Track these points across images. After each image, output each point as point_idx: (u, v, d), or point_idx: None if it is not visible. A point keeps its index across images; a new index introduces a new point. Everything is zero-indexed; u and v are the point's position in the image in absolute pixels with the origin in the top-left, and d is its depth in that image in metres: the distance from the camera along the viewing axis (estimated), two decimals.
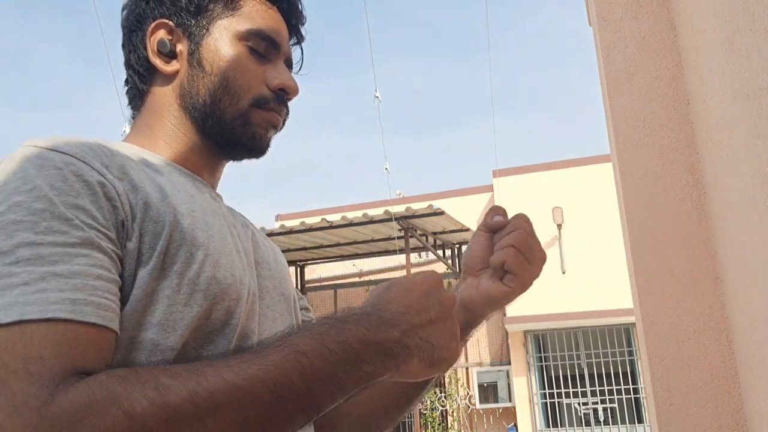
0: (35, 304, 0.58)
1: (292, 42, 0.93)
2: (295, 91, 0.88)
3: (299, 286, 12.81)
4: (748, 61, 1.13)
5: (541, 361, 11.04)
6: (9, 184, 0.64)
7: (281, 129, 0.90)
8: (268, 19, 0.87)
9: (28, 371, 0.55)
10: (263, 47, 0.86)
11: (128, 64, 0.88)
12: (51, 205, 0.63)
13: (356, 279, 12.31)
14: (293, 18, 0.92)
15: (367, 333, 0.65)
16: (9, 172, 0.65)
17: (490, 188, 11.72)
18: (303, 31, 0.95)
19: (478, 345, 11.73)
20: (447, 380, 11.72)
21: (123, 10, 0.89)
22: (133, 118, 0.89)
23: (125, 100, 0.91)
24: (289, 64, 0.92)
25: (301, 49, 0.95)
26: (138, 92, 0.87)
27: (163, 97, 0.85)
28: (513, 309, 10.74)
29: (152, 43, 0.85)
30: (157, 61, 0.85)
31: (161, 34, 0.85)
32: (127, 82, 0.89)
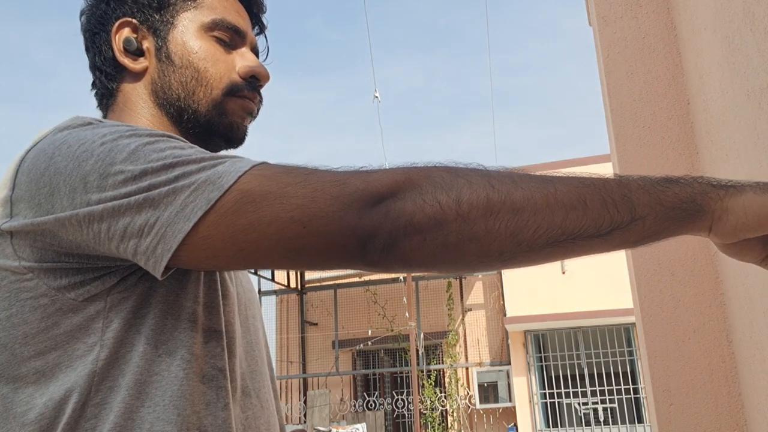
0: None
1: (255, 31, 0.94)
2: (266, 78, 0.89)
3: (299, 287, 12.82)
4: (748, 61, 1.13)
5: (541, 361, 11.04)
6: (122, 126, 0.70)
7: (256, 116, 0.90)
8: (230, 9, 0.88)
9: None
10: (228, 36, 0.86)
11: (94, 67, 0.88)
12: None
13: (356, 279, 12.31)
14: (254, 7, 0.93)
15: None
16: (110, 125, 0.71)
17: None
18: (264, 20, 0.96)
19: (478, 345, 11.73)
20: (447, 380, 11.72)
21: (81, 15, 0.89)
22: (104, 118, 0.88)
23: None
24: (255, 53, 0.92)
25: (266, 37, 0.97)
26: (107, 91, 0.87)
27: (135, 95, 0.85)
28: (513, 309, 10.75)
29: (118, 42, 0.85)
30: (125, 60, 0.84)
31: (126, 32, 0.85)
32: (94, 84, 0.89)
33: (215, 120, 0.84)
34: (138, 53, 0.85)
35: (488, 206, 0.59)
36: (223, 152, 0.90)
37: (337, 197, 0.60)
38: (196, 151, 0.67)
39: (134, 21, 0.85)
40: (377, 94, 9.76)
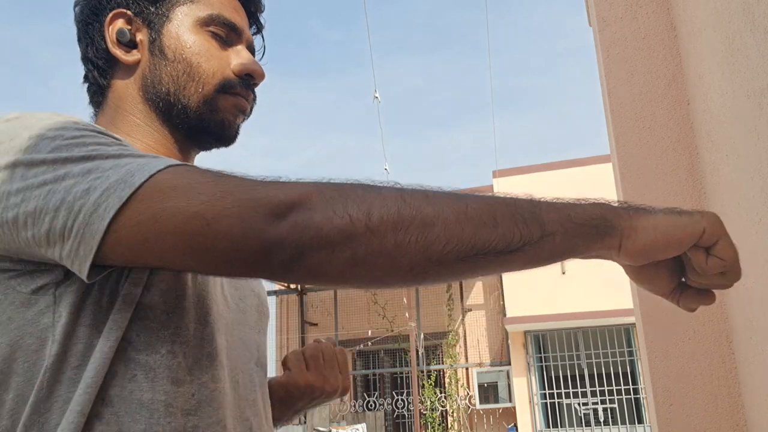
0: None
1: (252, 30, 0.93)
2: (261, 76, 0.87)
3: (299, 287, 12.81)
4: (748, 61, 1.13)
5: (541, 362, 11.04)
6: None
7: (249, 115, 0.89)
8: (228, 5, 0.86)
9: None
10: (225, 32, 0.85)
11: (86, 59, 0.86)
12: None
13: None
14: (251, 5, 0.92)
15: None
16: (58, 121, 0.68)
17: (490, 188, 11.72)
18: (262, 19, 0.94)
19: (479, 345, 11.73)
20: (447, 380, 11.72)
21: (76, 5, 0.87)
22: (95, 116, 0.87)
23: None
24: (252, 51, 0.91)
25: (263, 37, 0.95)
26: (98, 88, 0.86)
27: (125, 91, 0.84)
28: (513, 309, 10.75)
29: (111, 33, 0.83)
30: (118, 52, 0.83)
31: (120, 23, 0.83)
32: (86, 78, 0.87)
33: (206, 116, 0.82)
34: (131, 45, 0.83)
35: (398, 220, 0.59)
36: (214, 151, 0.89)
37: (245, 200, 0.59)
38: (117, 148, 0.66)
39: (129, 12, 0.84)
40: (377, 95, 9.78)
